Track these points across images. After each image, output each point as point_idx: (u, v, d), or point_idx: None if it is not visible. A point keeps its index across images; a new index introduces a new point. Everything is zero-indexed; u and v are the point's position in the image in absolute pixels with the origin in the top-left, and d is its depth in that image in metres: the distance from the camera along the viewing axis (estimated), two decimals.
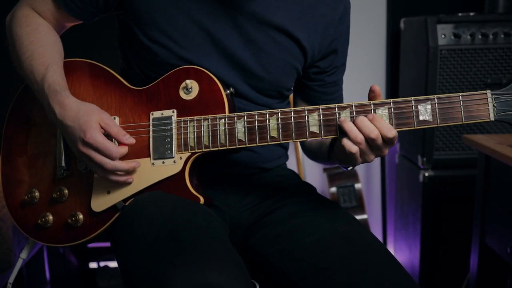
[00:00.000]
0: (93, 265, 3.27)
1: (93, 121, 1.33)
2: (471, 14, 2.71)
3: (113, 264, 3.23)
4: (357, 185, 3.16)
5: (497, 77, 2.67)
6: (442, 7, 3.11)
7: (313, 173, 3.31)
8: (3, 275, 2.17)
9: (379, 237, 3.52)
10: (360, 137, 1.25)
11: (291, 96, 1.70)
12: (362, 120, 1.26)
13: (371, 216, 3.47)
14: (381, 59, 3.34)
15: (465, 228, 2.50)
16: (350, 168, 1.44)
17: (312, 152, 1.69)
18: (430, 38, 2.64)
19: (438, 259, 2.84)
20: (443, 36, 2.64)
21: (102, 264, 3.25)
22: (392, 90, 3.33)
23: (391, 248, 3.34)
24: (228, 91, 1.43)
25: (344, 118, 1.28)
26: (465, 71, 2.67)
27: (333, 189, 3.16)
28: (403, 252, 3.11)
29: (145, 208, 1.31)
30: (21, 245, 2.27)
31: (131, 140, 1.38)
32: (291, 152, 3.16)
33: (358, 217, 3.10)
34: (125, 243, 1.27)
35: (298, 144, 2.26)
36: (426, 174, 2.77)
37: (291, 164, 3.17)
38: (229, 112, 1.39)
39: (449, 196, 2.78)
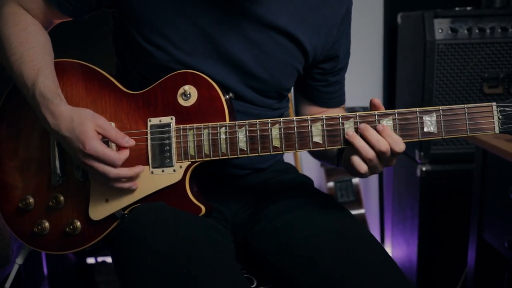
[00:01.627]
0: (90, 260, 3.26)
1: (90, 129, 1.28)
2: (468, 8, 2.71)
3: (111, 259, 3.22)
4: (355, 180, 3.16)
5: (494, 71, 2.67)
6: (439, 1, 3.10)
7: (310, 168, 3.30)
8: (1, 271, 2.17)
9: (377, 232, 3.52)
10: (371, 154, 1.24)
11: (289, 94, 1.69)
12: (371, 134, 1.24)
13: (369, 211, 3.47)
14: (379, 54, 3.34)
15: (463, 223, 2.50)
16: None
17: (317, 153, 1.65)
18: (427, 32, 2.63)
19: (436, 253, 2.85)
20: (440, 30, 2.63)
21: (99, 259, 3.25)
22: (390, 85, 3.32)
23: (388, 243, 3.34)
24: (228, 96, 1.40)
25: (353, 133, 1.26)
26: (462, 65, 2.67)
27: (331, 184, 3.16)
28: (401, 247, 3.12)
29: (147, 229, 1.26)
30: (19, 241, 2.26)
31: (131, 142, 1.33)
32: None
33: (355, 212, 3.10)
34: (129, 271, 1.24)
35: None
36: (424, 169, 2.77)
37: (289, 159, 3.17)
38: (229, 118, 1.36)
39: (447, 190, 2.78)
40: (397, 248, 3.19)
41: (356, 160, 1.25)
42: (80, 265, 3.25)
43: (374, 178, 3.50)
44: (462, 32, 2.63)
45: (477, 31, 2.63)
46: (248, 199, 1.57)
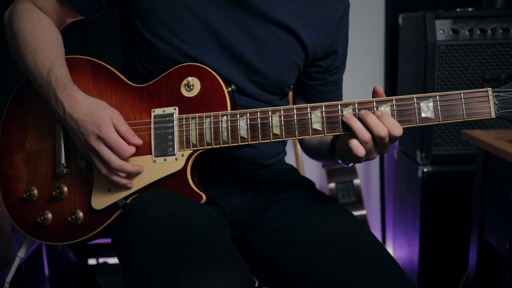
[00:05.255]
0: (92, 261, 3.27)
1: (107, 117, 1.33)
2: (470, 9, 2.71)
3: (112, 260, 3.23)
4: (356, 181, 3.16)
5: (496, 72, 2.67)
6: (441, 2, 3.11)
7: (311, 169, 3.31)
8: (1, 272, 2.17)
9: (378, 233, 3.52)
10: (367, 136, 1.26)
11: (290, 94, 1.70)
12: (371, 118, 1.26)
13: (370, 212, 3.47)
14: (380, 54, 3.34)
15: (464, 224, 2.50)
16: (351, 164, 1.44)
17: (312, 150, 1.69)
18: (429, 33, 2.63)
19: (437, 254, 2.85)
20: (441, 31, 2.64)
21: (101, 260, 3.25)
22: (391, 85, 3.33)
23: (390, 244, 3.34)
24: (230, 88, 1.42)
25: (350, 115, 1.28)
26: (464, 66, 2.67)
27: (332, 185, 3.16)
28: (402, 247, 3.12)
29: (149, 209, 1.29)
30: (20, 241, 2.26)
31: (139, 141, 1.37)
32: (290, 148, 3.16)
33: (357, 213, 3.10)
34: (131, 245, 1.25)
35: (297, 141, 2.26)
36: (425, 170, 2.77)
37: (290, 160, 3.17)
38: (231, 109, 1.38)
39: (448, 191, 2.78)
40: (399, 249, 3.18)
41: (354, 143, 1.27)
42: (82, 266, 3.26)
43: (376, 179, 3.50)
44: (463, 33, 2.63)
45: (478, 32, 2.63)
46: (248, 196, 1.59)
